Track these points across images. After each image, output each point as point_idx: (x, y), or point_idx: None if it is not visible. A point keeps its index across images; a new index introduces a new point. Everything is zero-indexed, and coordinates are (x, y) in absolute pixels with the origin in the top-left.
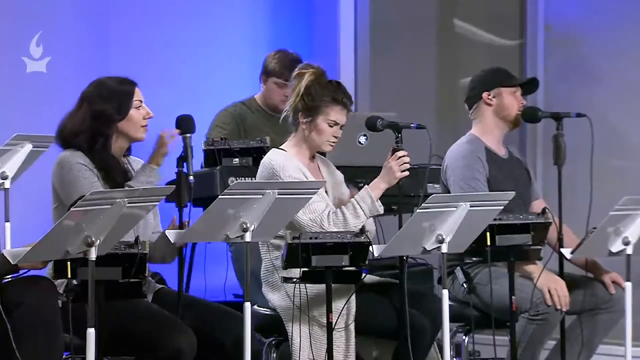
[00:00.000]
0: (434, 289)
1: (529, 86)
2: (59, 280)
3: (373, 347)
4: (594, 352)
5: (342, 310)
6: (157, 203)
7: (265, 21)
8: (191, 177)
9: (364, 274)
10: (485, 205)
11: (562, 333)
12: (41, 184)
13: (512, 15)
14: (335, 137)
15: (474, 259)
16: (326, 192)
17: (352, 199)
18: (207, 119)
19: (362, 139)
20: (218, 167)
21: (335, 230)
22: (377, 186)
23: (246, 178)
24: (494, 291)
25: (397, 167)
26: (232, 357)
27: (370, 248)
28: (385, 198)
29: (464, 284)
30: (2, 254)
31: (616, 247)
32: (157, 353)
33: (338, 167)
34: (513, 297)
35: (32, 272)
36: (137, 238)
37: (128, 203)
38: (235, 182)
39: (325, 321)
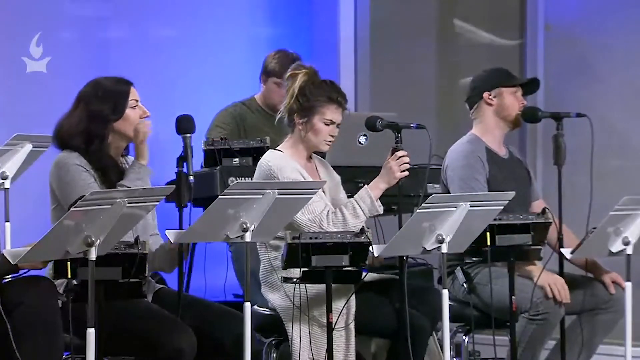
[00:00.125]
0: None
1: (529, 86)
2: (59, 280)
3: (371, 342)
4: (594, 352)
5: (342, 310)
6: (157, 203)
7: (265, 21)
8: (191, 177)
9: (364, 274)
10: (485, 205)
11: (562, 333)
12: (41, 184)
13: (512, 15)
14: (332, 136)
15: (474, 259)
16: (324, 192)
17: (352, 199)
18: (207, 119)
19: (362, 139)
20: (218, 167)
21: (335, 230)
22: (377, 186)
23: (246, 178)
24: (494, 291)
25: (396, 167)
26: (232, 357)
27: (370, 248)
28: (385, 198)
29: (464, 284)
30: (2, 254)
31: (616, 247)
32: (157, 353)
33: (338, 167)
34: (513, 297)
35: (32, 272)
36: (137, 238)
37: (128, 203)
38: (235, 182)
39: (325, 321)
